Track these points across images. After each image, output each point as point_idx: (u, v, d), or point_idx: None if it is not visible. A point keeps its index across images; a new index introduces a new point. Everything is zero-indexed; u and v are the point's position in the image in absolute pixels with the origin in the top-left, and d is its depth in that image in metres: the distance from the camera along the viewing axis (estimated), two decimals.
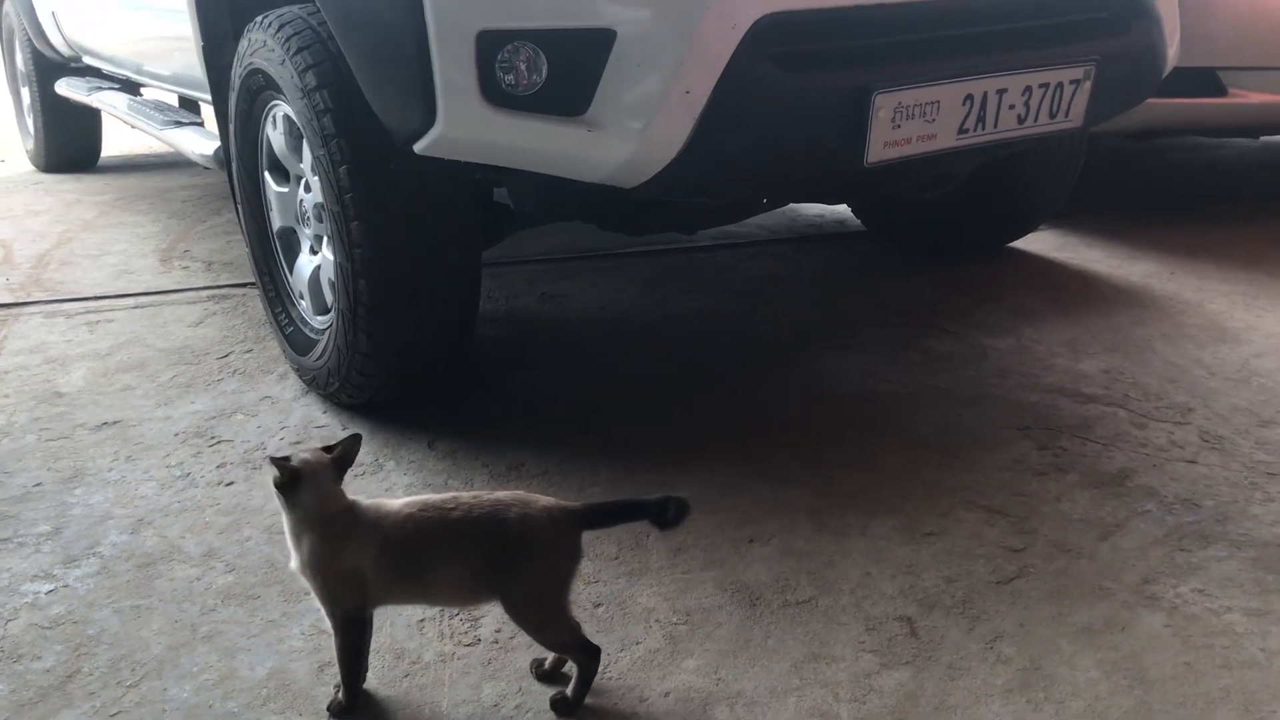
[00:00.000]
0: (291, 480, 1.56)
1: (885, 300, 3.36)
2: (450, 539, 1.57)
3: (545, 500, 1.61)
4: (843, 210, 4.25)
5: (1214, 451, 2.38)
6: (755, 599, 1.92)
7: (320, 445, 1.65)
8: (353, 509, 1.59)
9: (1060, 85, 2.42)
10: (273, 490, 1.58)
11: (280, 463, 1.55)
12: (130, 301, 3.52)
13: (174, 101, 4.70)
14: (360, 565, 1.56)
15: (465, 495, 1.62)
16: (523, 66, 2.06)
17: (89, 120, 5.54)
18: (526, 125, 2.10)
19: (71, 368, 2.98)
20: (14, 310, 3.45)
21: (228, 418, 2.66)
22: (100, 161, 5.83)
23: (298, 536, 1.59)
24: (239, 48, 2.65)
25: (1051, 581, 1.95)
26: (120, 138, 6.14)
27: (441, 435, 2.53)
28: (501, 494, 1.61)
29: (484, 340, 3.03)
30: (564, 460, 2.41)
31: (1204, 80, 3.70)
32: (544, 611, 1.60)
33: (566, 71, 2.05)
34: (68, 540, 2.15)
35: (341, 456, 1.60)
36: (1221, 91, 3.75)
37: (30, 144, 5.79)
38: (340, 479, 1.61)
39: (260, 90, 2.62)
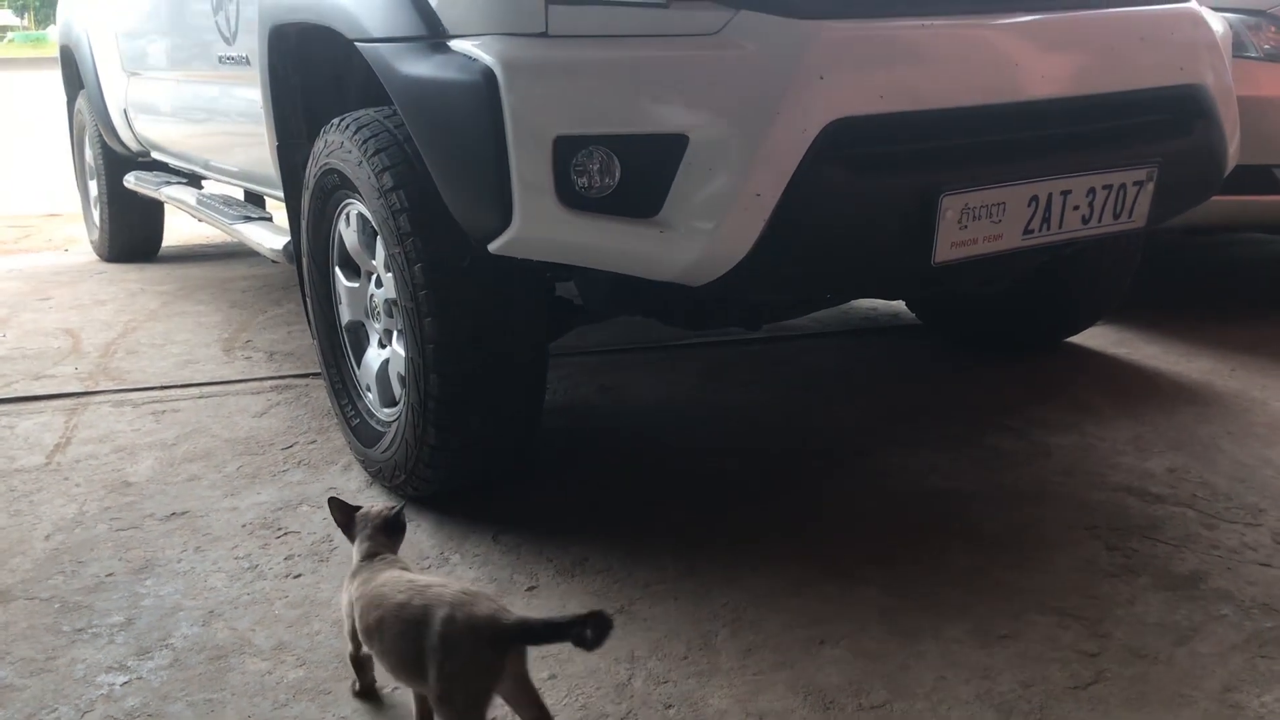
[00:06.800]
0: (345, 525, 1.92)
1: (944, 395, 3.36)
2: (389, 624, 1.69)
3: (483, 608, 1.63)
4: (897, 303, 4.27)
5: None
6: (829, 703, 1.90)
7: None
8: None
9: (1124, 186, 2.44)
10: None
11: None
12: (195, 391, 3.58)
13: (238, 195, 4.82)
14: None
15: (429, 580, 1.75)
16: (596, 170, 2.10)
17: (152, 212, 5.69)
18: (600, 226, 2.14)
19: (139, 457, 3.03)
20: (83, 399, 3.52)
21: (293, 509, 2.68)
22: (160, 252, 5.97)
23: None
24: (314, 148, 2.73)
25: (1130, 688, 1.92)
26: (180, 229, 6.28)
27: (506, 528, 2.54)
28: (448, 592, 1.66)
29: (545, 431, 3.04)
30: (627, 555, 2.41)
31: (1261, 177, 3.71)
32: (455, 716, 1.62)
33: (639, 175, 2.10)
34: (140, 631, 2.17)
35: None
36: (1278, 188, 3.75)
37: (95, 234, 5.94)
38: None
39: (335, 189, 2.69)
